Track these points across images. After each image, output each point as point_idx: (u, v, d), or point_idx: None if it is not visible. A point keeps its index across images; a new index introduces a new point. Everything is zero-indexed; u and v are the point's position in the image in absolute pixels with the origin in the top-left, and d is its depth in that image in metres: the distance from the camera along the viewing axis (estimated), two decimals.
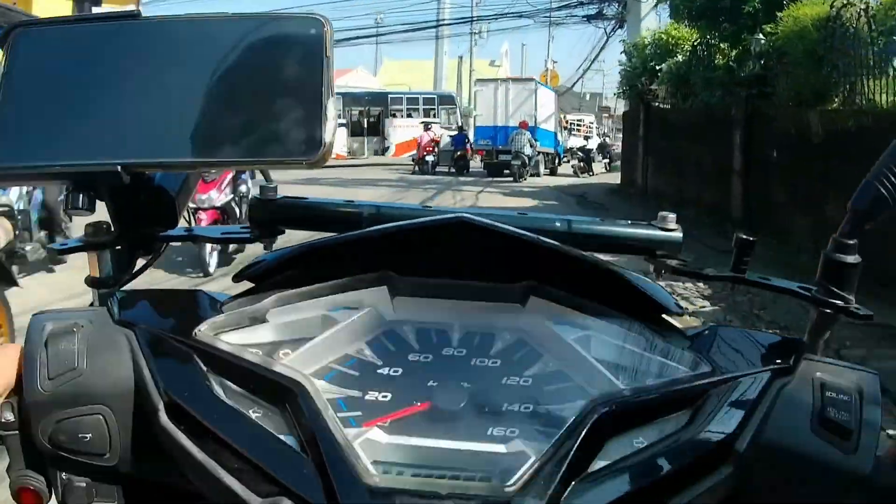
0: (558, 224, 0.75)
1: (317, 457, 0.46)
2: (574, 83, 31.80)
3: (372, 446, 0.48)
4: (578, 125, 30.52)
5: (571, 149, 24.61)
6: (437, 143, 22.33)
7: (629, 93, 14.51)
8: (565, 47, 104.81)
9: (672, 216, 0.74)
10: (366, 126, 28.12)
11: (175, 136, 0.60)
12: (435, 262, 0.61)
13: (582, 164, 23.24)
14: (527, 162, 19.47)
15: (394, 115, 27.39)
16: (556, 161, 24.29)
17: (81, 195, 0.62)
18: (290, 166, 0.60)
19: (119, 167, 0.58)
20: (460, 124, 24.44)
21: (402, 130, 26.27)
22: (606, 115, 40.42)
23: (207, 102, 0.60)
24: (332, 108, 0.57)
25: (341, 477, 0.44)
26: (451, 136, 22.57)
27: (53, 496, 0.55)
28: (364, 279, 0.61)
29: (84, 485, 0.54)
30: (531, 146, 19.83)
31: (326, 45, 0.58)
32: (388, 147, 26.79)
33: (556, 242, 0.62)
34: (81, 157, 0.59)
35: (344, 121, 26.00)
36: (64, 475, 0.54)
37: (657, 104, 13.03)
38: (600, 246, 0.74)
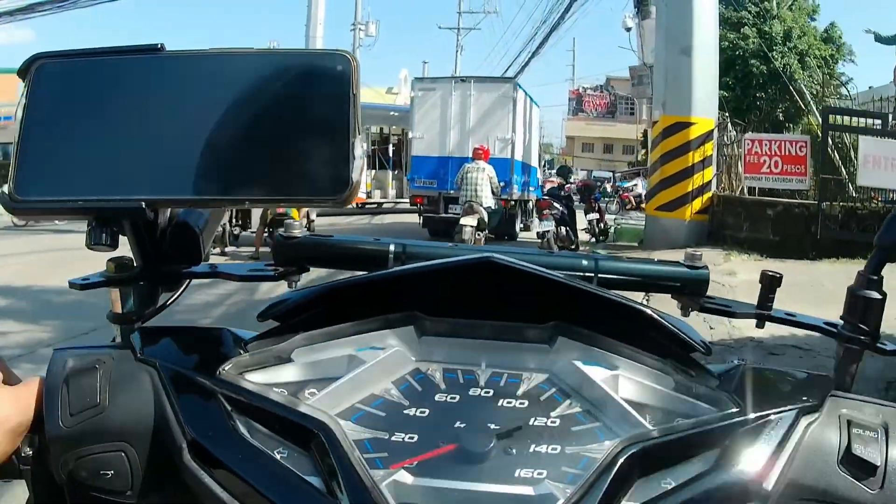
0: (585, 262, 0.75)
1: (343, 499, 0.46)
2: None
3: (398, 488, 0.47)
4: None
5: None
6: None
7: None
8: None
9: (699, 254, 0.74)
10: (389, 155, 19.94)
11: (200, 173, 0.60)
12: (462, 302, 0.61)
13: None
14: (484, 223, 10.07)
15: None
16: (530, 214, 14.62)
17: (104, 231, 0.61)
18: (317, 205, 0.63)
19: (143, 203, 0.59)
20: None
21: None
22: None
23: (232, 138, 0.60)
24: (360, 146, 0.58)
25: None
26: None
27: None
28: (391, 319, 0.61)
29: None
30: (492, 192, 10.51)
31: (353, 82, 0.59)
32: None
33: (583, 283, 0.62)
34: (104, 193, 0.59)
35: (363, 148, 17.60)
36: None
37: None
38: (628, 284, 0.75)
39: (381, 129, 20.29)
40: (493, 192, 10.35)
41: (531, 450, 0.51)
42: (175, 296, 0.75)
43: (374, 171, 19.81)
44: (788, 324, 0.72)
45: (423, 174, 13.90)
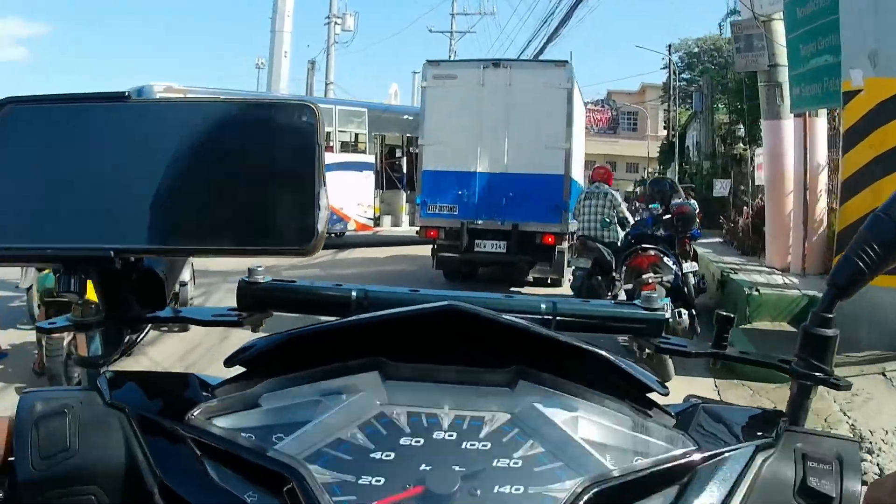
0: (544, 306, 0.77)
1: None
2: None
3: None
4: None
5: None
6: None
7: None
8: None
9: (655, 296, 0.78)
10: (402, 170, 16.15)
11: (167, 222, 0.62)
12: (425, 347, 0.62)
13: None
14: (609, 264, 6.68)
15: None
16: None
17: (72, 278, 0.62)
18: (282, 255, 0.63)
19: (112, 252, 0.60)
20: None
21: None
22: None
23: (199, 188, 0.62)
24: (325, 196, 0.60)
25: None
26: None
27: None
28: (355, 365, 0.62)
29: None
30: (619, 223, 7.66)
31: (318, 132, 0.61)
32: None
33: (543, 329, 0.63)
34: (73, 241, 0.61)
35: (371, 159, 15.18)
36: None
37: None
38: (585, 326, 0.76)
39: (384, 136, 15.87)
40: (620, 224, 7.62)
41: (495, 490, 0.51)
42: (138, 339, 0.77)
43: (381, 192, 15.50)
44: (743, 362, 0.77)
45: (438, 196, 9.81)
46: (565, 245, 9.73)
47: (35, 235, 0.61)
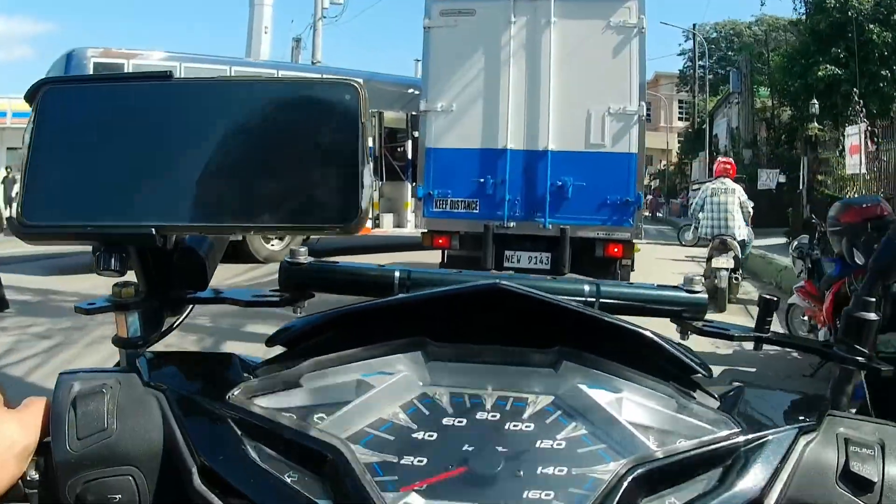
0: (587, 288, 0.76)
1: None
2: None
3: None
4: None
5: None
6: None
7: None
8: None
9: (698, 278, 0.76)
10: (406, 156, 12.22)
11: (209, 200, 0.61)
12: (469, 327, 0.62)
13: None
14: (739, 261, 7.33)
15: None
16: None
17: (113, 256, 0.62)
18: (325, 233, 0.62)
19: (153, 230, 0.60)
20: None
21: None
22: None
23: (241, 166, 0.62)
24: (368, 175, 0.59)
25: None
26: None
27: None
28: (398, 345, 0.61)
29: None
30: (745, 220, 7.53)
31: (362, 110, 0.60)
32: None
33: (588, 308, 0.63)
34: (113, 218, 0.61)
35: (367, 142, 8.93)
36: None
37: None
38: (628, 309, 0.76)
39: (382, 114, 12.34)
40: (745, 221, 7.51)
41: (538, 471, 0.51)
42: (179, 320, 0.76)
43: (379, 184, 12.05)
44: (785, 345, 0.79)
45: (449, 186, 6.72)
46: (630, 259, 6.64)
47: (75, 214, 0.61)
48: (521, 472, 0.51)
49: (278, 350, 0.64)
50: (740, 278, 7.51)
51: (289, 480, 0.49)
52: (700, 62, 33.61)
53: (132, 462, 0.52)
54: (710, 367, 0.63)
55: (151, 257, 0.68)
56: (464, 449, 0.52)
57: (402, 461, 0.51)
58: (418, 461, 0.51)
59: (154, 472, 0.52)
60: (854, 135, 10.21)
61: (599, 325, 0.61)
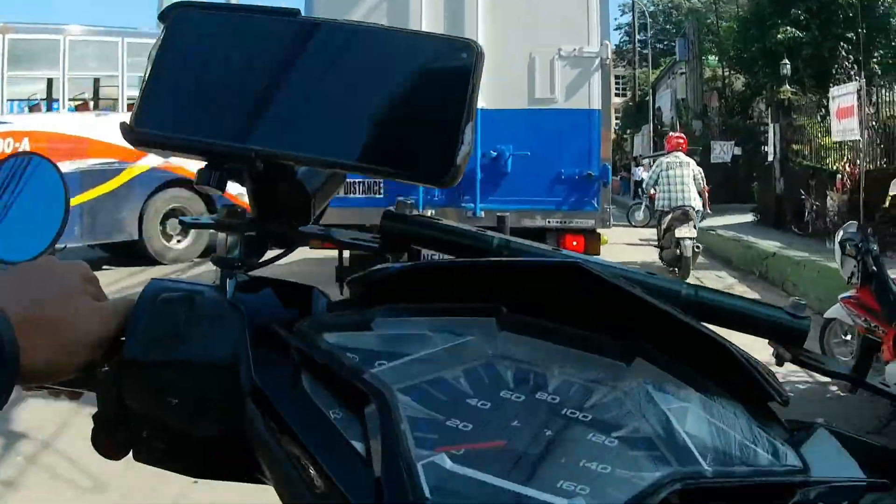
0: (684, 291, 0.69)
1: (378, 470, 0.47)
2: None
3: (435, 471, 0.47)
4: None
5: None
6: None
7: None
8: None
9: (803, 303, 0.70)
10: None
11: (311, 133, 0.63)
12: (545, 304, 0.60)
13: None
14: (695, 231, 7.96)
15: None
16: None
17: (213, 173, 0.64)
18: (419, 182, 0.63)
19: (253, 153, 0.61)
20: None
21: None
22: None
23: (348, 107, 0.63)
24: (470, 132, 0.60)
25: (394, 495, 0.45)
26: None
27: (131, 452, 0.58)
28: (474, 308, 0.60)
29: (162, 446, 0.57)
30: (698, 192, 8.20)
31: (475, 71, 0.61)
32: None
33: (671, 307, 0.59)
34: (219, 137, 0.63)
35: None
36: (144, 433, 0.57)
37: None
38: (722, 321, 0.69)
39: None
40: (699, 193, 8.06)
41: (581, 464, 0.50)
42: (281, 254, 0.77)
43: None
44: (880, 393, 0.84)
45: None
46: (597, 256, 4.95)
47: (182, 128, 0.63)
48: (563, 460, 0.49)
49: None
50: (700, 247, 8.23)
51: (332, 416, 0.50)
52: (639, 35, 32.52)
53: (195, 371, 0.55)
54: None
55: (261, 184, 0.68)
56: (512, 424, 0.51)
57: (448, 423, 0.50)
58: (464, 426, 0.50)
59: (213, 385, 0.55)
60: (843, 95, 8.76)
61: (683, 329, 0.58)
